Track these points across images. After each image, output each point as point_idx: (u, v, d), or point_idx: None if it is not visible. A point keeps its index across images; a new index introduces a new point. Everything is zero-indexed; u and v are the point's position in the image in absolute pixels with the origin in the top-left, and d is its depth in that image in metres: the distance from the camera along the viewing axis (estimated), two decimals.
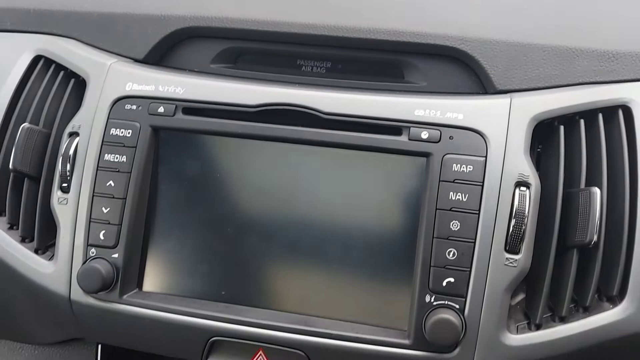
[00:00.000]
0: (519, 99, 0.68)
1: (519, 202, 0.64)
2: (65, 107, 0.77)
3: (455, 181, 0.65)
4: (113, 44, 0.80)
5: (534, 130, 0.67)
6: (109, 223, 0.71)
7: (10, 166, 0.75)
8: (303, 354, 0.68)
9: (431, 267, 0.64)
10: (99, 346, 0.83)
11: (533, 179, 0.65)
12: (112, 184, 0.71)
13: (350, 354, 0.66)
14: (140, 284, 0.73)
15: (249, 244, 0.70)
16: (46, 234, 0.75)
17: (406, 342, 0.65)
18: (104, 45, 0.80)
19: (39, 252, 0.75)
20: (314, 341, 0.67)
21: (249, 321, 0.68)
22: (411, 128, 0.67)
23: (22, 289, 0.76)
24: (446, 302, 0.64)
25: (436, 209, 0.65)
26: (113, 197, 0.71)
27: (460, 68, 0.75)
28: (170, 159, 0.73)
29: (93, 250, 0.71)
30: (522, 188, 0.65)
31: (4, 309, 0.80)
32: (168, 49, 0.80)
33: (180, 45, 0.81)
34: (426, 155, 0.66)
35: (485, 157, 0.65)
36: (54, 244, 0.74)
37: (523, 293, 0.69)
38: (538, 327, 0.65)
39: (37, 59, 0.81)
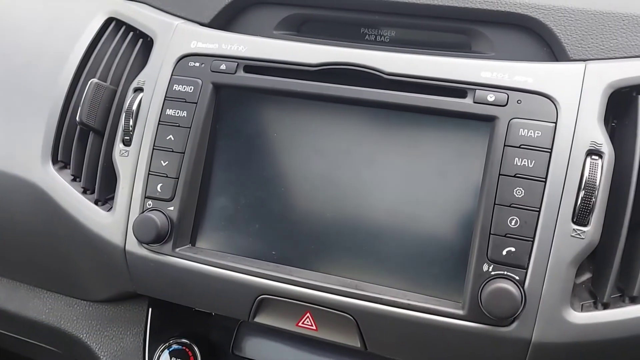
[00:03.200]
0: (595, 65, 0.64)
1: (589, 172, 0.60)
2: (132, 65, 0.80)
3: (522, 146, 0.62)
4: (181, 8, 0.82)
5: (608, 102, 0.63)
6: (166, 176, 0.72)
7: (77, 119, 0.77)
8: (352, 318, 0.66)
9: (491, 235, 0.61)
10: (149, 310, 0.84)
11: (606, 147, 0.61)
12: (172, 138, 0.72)
13: (401, 321, 0.64)
14: (193, 239, 0.73)
15: (302, 205, 0.69)
16: (107, 186, 0.77)
17: (460, 312, 0.62)
18: (172, 10, 0.83)
19: (99, 203, 0.77)
20: (364, 305, 0.65)
21: (299, 281, 0.67)
22: (477, 90, 0.64)
23: (80, 239, 0.77)
24: (505, 273, 0.61)
25: (499, 174, 0.62)
26: (172, 151, 0.72)
27: (531, 38, 0.72)
28: (230, 117, 0.73)
29: (150, 202, 0.72)
30: (594, 157, 0.61)
31: (63, 261, 0.83)
32: (233, 14, 0.82)
33: (245, 12, 0.82)
34: (491, 119, 0.63)
35: (555, 123, 0.62)
36: (113, 197, 0.76)
37: (589, 272, 0.64)
38: (605, 307, 0.60)
39: (108, 21, 0.83)
